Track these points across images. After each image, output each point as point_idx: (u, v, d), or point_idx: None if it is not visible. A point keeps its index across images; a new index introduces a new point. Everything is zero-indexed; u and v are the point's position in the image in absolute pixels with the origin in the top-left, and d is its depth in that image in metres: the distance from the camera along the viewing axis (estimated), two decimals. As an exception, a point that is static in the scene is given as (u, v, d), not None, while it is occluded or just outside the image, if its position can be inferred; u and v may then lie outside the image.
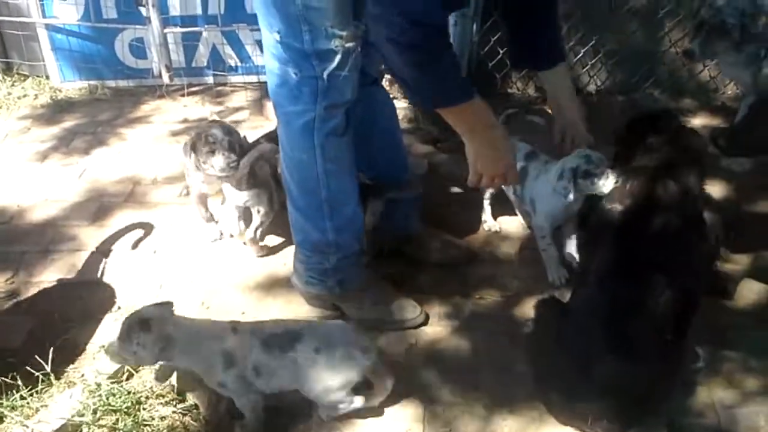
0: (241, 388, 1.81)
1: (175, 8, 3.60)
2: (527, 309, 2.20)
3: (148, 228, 2.59)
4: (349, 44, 1.78)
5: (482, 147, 1.81)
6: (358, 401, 1.82)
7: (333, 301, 2.20)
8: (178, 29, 3.61)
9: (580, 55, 3.56)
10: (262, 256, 2.47)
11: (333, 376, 1.78)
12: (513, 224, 2.60)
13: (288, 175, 2.04)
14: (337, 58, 1.79)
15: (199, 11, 3.62)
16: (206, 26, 3.63)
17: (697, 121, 3.43)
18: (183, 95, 3.65)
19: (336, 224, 2.04)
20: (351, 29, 1.77)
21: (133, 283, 2.33)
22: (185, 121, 3.41)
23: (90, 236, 2.55)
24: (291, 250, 2.39)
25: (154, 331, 1.72)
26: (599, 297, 1.76)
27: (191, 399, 1.91)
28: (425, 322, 2.17)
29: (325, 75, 1.80)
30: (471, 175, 1.85)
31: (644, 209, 1.80)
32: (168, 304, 1.80)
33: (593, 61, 3.59)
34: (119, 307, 2.23)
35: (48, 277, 2.36)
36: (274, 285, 2.35)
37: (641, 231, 1.78)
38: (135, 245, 2.51)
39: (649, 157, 1.91)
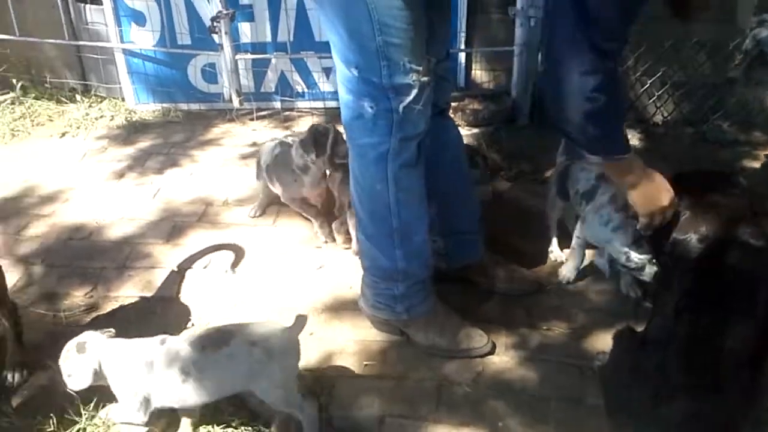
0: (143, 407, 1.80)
1: (246, 36, 3.72)
2: (596, 342, 2.19)
3: (236, 249, 2.66)
4: (425, 78, 1.84)
5: (645, 195, 1.88)
6: (311, 406, 1.85)
7: (399, 326, 2.22)
8: (249, 56, 3.72)
9: (647, 86, 3.55)
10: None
11: (274, 367, 1.78)
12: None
13: (359, 204, 2.09)
14: (414, 91, 1.84)
15: (269, 39, 3.73)
16: (276, 53, 3.74)
17: (768, 154, 3.39)
18: (252, 119, 3.75)
19: (405, 252, 2.07)
20: (426, 64, 1.84)
21: (207, 301, 2.40)
22: (254, 144, 3.50)
23: (164, 254, 2.64)
24: (355, 273, 2.44)
25: (88, 354, 1.79)
26: (677, 329, 1.74)
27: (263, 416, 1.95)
28: (492, 352, 2.17)
29: (401, 108, 1.85)
30: (642, 219, 1.91)
31: (723, 244, 1.78)
32: (108, 331, 1.87)
33: (660, 92, 3.57)
34: (193, 324, 2.29)
35: (125, 292, 2.45)
36: (341, 307, 2.39)
37: (721, 265, 1.76)
38: (207, 265, 2.59)
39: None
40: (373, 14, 1.73)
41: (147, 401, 1.80)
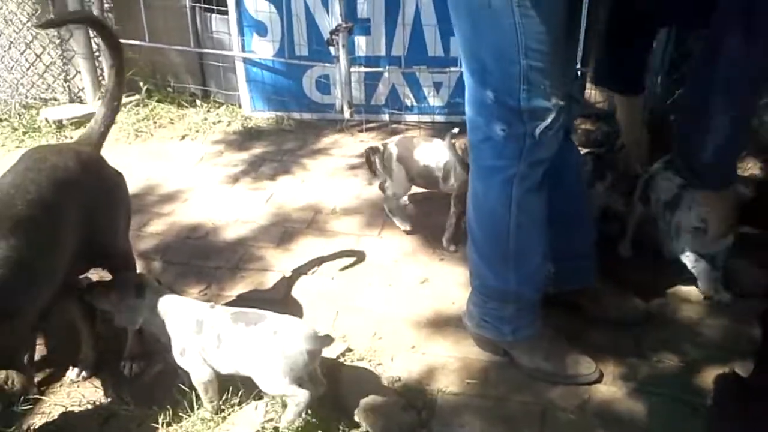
0: (198, 362, 1.93)
1: (361, 49, 3.80)
2: (708, 378, 2.09)
3: (359, 255, 2.75)
4: (562, 102, 1.83)
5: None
6: (303, 395, 1.86)
7: (504, 347, 2.20)
8: (363, 69, 3.80)
9: None
10: None
11: (280, 358, 1.84)
12: (692, 288, 2.48)
13: (475, 223, 2.08)
14: (551, 115, 1.83)
15: (383, 53, 3.79)
16: (389, 67, 3.80)
17: None
18: (361, 131, 3.82)
19: (519, 275, 2.05)
20: (564, 88, 1.83)
21: (312, 306, 2.45)
22: (361, 155, 3.56)
23: (276, 258, 2.72)
24: (459, 289, 2.44)
25: (146, 298, 1.95)
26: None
27: (364, 425, 1.97)
28: (599, 380, 2.12)
29: (536, 132, 1.83)
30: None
31: None
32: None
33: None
34: (298, 329, 2.35)
35: (237, 292, 2.54)
36: (443, 323, 2.38)
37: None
38: (315, 270, 2.65)
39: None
40: (520, 38, 1.72)
41: (202, 359, 1.93)
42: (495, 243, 2.04)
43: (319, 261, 2.69)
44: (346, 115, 3.80)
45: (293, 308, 2.42)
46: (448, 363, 2.21)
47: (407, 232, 2.85)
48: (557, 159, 2.13)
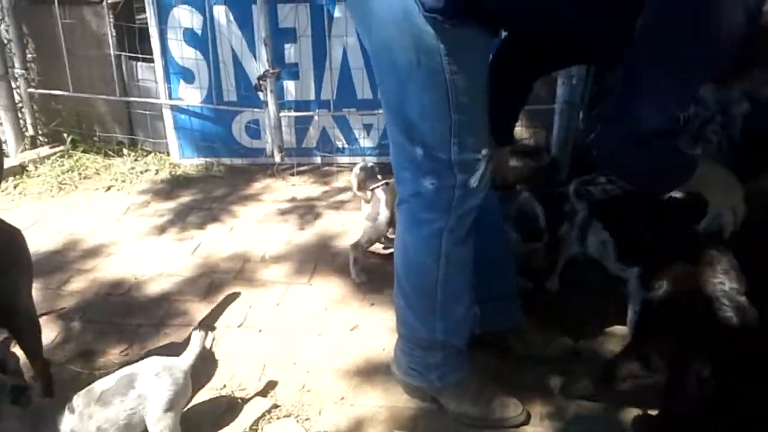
0: None
1: (291, 93, 3.80)
2: (634, 414, 2.10)
3: (288, 305, 2.69)
4: (490, 153, 1.85)
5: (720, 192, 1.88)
6: None
7: (432, 394, 2.17)
8: (293, 113, 3.80)
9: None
10: None
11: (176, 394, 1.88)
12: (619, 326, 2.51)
13: (403, 274, 2.05)
14: (482, 166, 1.83)
15: (313, 97, 3.80)
16: (318, 110, 3.80)
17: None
18: (292, 174, 3.80)
19: (446, 324, 2.04)
20: (490, 138, 1.85)
21: (238, 361, 2.39)
22: (293, 200, 3.54)
23: (201, 312, 2.65)
24: (389, 334, 2.41)
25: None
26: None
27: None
28: (527, 422, 2.10)
29: (469, 183, 1.84)
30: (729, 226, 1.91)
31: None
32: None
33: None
34: (224, 385, 2.28)
35: (159, 350, 2.45)
36: (373, 371, 2.35)
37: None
38: (242, 323, 2.59)
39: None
40: (451, 94, 1.72)
41: None
42: (423, 294, 2.02)
43: (246, 313, 2.63)
44: (277, 159, 3.78)
45: (215, 365, 2.36)
46: (377, 413, 2.17)
47: (359, 282, 2.81)
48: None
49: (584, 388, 2.12)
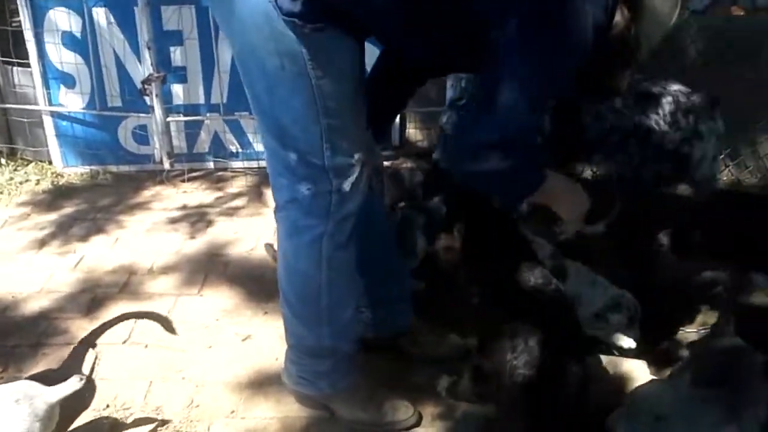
0: None
1: (178, 97, 3.69)
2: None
3: (177, 318, 2.60)
4: (365, 157, 1.84)
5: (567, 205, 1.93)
6: None
7: (323, 401, 2.16)
8: (181, 117, 3.69)
9: None
10: None
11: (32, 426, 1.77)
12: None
13: (286, 283, 2.03)
14: (356, 170, 1.83)
15: (202, 101, 3.70)
16: (208, 114, 3.71)
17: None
18: (183, 180, 3.70)
19: (333, 330, 2.03)
20: (366, 140, 1.85)
21: (123, 379, 2.30)
22: (184, 207, 3.44)
23: (82, 330, 2.52)
24: (282, 344, 2.36)
25: None
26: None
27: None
28: (418, 423, 2.12)
29: (342, 188, 1.83)
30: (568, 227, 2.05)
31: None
32: None
33: None
34: (107, 405, 2.19)
35: (37, 371, 2.32)
36: (265, 382, 2.31)
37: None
38: (127, 340, 2.49)
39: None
40: (318, 99, 1.71)
41: None
42: (307, 302, 2.00)
43: (132, 328, 2.53)
44: (166, 165, 3.66)
45: (97, 385, 2.26)
46: (268, 425, 2.13)
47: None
48: (366, 207, 2.15)
49: (467, 389, 2.15)
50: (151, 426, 2.09)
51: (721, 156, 3.12)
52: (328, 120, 1.74)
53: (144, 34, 3.41)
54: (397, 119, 3.75)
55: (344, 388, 2.12)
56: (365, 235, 2.16)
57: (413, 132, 3.82)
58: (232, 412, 2.18)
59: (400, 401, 2.14)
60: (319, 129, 1.75)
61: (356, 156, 1.82)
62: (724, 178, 3.82)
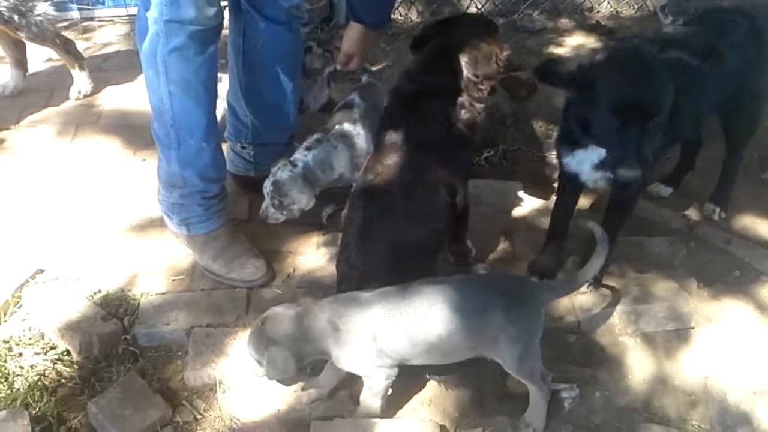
0: None
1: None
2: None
3: None
4: None
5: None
6: None
7: (184, 244, 2.16)
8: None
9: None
10: None
11: None
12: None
13: (151, 105, 2.00)
14: None
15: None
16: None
17: (574, 40, 3.54)
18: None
19: (181, 156, 2.01)
20: None
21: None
22: (50, 60, 3.21)
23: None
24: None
25: None
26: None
27: (62, 345, 1.87)
28: (266, 284, 2.09)
29: None
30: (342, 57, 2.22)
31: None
32: None
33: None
34: None
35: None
36: (149, 224, 2.29)
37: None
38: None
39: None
40: None
41: None
42: (158, 117, 1.98)
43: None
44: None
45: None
46: (153, 264, 2.14)
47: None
48: (269, 45, 2.16)
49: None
50: (30, 273, 2.05)
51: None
52: None
53: None
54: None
55: (199, 232, 2.11)
56: (265, 70, 2.20)
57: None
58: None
59: (255, 260, 2.11)
60: None
61: None
62: (603, 11, 3.92)
